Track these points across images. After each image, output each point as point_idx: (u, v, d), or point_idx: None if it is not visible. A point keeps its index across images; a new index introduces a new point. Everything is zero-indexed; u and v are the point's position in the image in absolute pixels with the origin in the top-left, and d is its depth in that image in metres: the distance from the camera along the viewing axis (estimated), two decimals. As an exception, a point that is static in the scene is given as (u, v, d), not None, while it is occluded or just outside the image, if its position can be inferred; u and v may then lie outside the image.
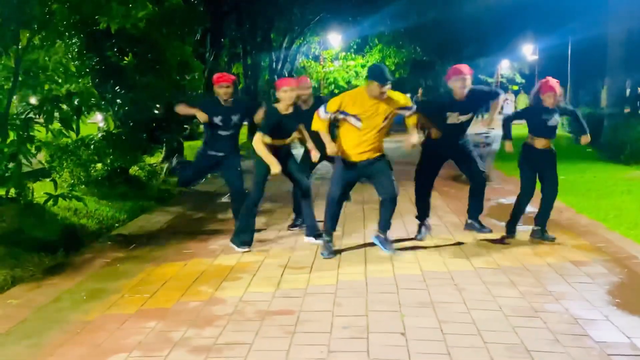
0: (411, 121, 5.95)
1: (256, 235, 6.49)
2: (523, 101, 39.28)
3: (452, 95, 6.22)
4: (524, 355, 3.68)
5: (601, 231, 6.97)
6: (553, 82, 6.24)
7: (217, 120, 6.42)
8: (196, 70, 9.36)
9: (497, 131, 23.58)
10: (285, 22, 21.41)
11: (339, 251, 6.10)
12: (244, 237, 6.29)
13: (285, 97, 6.04)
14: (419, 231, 6.67)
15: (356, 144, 5.80)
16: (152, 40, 8.80)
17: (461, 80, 6.11)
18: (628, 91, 21.87)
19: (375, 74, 5.68)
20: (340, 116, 5.80)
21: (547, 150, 6.36)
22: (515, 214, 6.62)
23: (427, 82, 30.92)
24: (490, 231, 6.57)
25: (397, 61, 25.71)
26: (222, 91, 6.41)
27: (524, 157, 6.47)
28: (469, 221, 6.63)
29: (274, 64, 22.25)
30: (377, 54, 26.55)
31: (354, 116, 5.74)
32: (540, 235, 6.48)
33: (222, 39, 17.28)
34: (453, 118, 6.24)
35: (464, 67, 6.18)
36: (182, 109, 6.62)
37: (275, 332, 4.09)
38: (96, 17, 7.74)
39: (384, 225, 6.03)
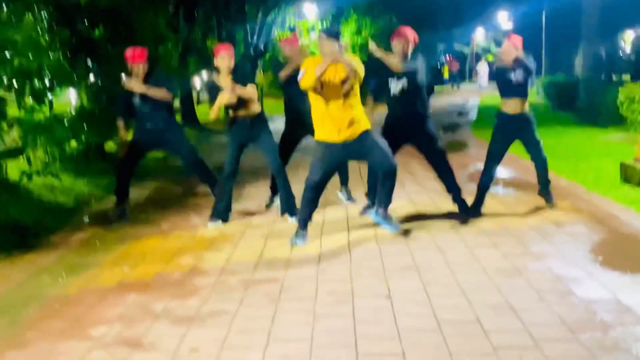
0: None
1: (237, 207, 6.39)
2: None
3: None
4: (509, 313, 3.67)
5: (580, 192, 7.01)
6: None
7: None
8: (170, 41, 9.17)
9: (473, 101, 23.78)
10: (259, -7, 21.03)
11: (322, 220, 6.04)
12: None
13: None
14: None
15: (329, 120, 5.10)
16: (123, 12, 8.57)
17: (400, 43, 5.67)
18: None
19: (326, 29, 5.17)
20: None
21: (520, 115, 5.89)
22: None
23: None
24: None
25: (372, 32, 25.44)
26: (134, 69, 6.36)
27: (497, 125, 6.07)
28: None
29: (249, 37, 21.91)
30: (353, 25, 26.30)
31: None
32: (546, 196, 6.27)
33: (196, 12, 16.95)
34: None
35: (408, 29, 5.73)
36: None
37: (259, 300, 4.04)
38: (65, -12, 7.53)
39: (386, 201, 5.40)
